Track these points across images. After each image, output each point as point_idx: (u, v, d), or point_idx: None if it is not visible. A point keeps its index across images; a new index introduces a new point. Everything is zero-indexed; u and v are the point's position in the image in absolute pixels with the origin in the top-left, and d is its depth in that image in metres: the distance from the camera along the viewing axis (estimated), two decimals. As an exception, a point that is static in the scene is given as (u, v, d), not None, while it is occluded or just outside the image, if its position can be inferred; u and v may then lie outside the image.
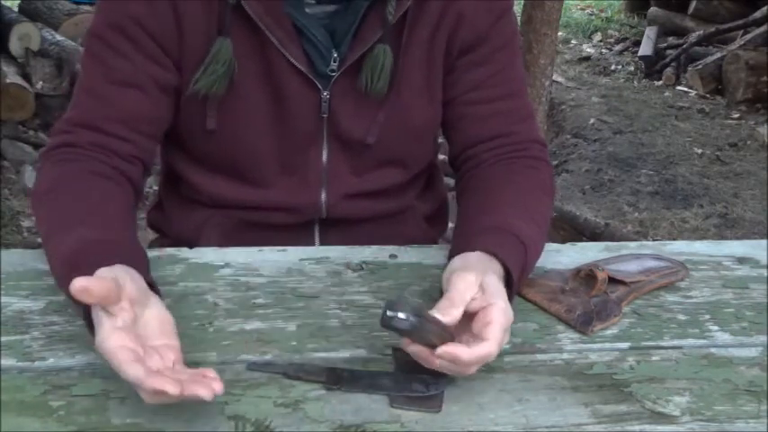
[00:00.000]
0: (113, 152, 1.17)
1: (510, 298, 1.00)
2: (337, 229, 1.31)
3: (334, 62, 1.19)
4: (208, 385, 0.82)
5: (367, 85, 1.18)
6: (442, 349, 0.89)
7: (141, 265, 0.97)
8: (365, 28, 1.18)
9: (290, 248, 1.23)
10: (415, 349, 0.91)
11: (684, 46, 5.78)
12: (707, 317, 1.12)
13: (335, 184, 1.27)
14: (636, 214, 3.75)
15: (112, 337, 0.84)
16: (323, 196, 1.28)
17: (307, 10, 1.18)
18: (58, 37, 4.13)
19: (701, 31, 5.83)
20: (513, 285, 1.03)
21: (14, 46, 4.02)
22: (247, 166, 1.25)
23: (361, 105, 1.22)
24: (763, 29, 5.45)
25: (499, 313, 0.93)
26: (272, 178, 1.26)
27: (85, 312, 0.91)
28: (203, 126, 1.20)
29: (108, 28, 1.17)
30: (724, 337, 1.08)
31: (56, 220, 1.08)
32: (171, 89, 1.20)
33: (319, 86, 1.20)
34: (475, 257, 1.02)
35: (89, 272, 0.90)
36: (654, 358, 1.03)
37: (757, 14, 5.68)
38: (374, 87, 1.18)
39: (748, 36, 5.50)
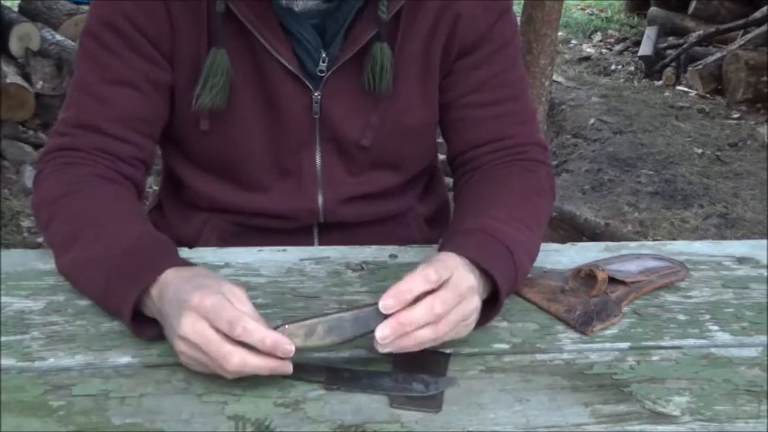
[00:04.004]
0: (115, 155, 1.18)
1: (498, 306, 1.03)
2: (336, 232, 1.31)
3: (323, 62, 1.19)
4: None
5: (371, 86, 1.18)
6: (378, 333, 0.90)
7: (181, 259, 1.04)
8: (357, 28, 1.17)
9: (290, 248, 1.23)
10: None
11: (684, 46, 5.78)
12: (707, 317, 1.12)
13: (331, 188, 1.27)
14: (636, 214, 3.75)
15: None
16: (320, 201, 1.27)
17: (296, 9, 1.16)
18: (58, 37, 4.13)
19: (701, 31, 5.83)
20: (500, 291, 1.02)
21: (14, 46, 4.02)
22: (242, 167, 1.25)
23: (356, 106, 1.21)
24: (763, 29, 5.45)
25: (433, 262, 0.94)
26: (268, 182, 1.26)
27: (133, 310, 0.96)
28: (197, 126, 1.20)
29: (101, 26, 1.17)
30: (724, 337, 1.08)
31: (83, 220, 1.08)
32: (165, 87, 1.20)
33: (310, 87, 1.19)
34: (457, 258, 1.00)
35: (157, 265, 0.97)
36: (654, 358, 1.03)
37: (757, 14, 5.68)
38: (378, 87, 1.18)
39: (748, 36, 5.51)
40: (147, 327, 0.98)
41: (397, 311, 0.90)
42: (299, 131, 1.23)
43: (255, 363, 0.88)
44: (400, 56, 1.20)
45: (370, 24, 1.16)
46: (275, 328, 0.90)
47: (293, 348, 0.89)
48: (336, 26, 1.17)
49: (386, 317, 0.90)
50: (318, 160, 1.25)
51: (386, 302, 0.90)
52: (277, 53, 1.16)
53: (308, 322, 0.92)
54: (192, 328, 0.88)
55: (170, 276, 0.96)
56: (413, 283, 0.91)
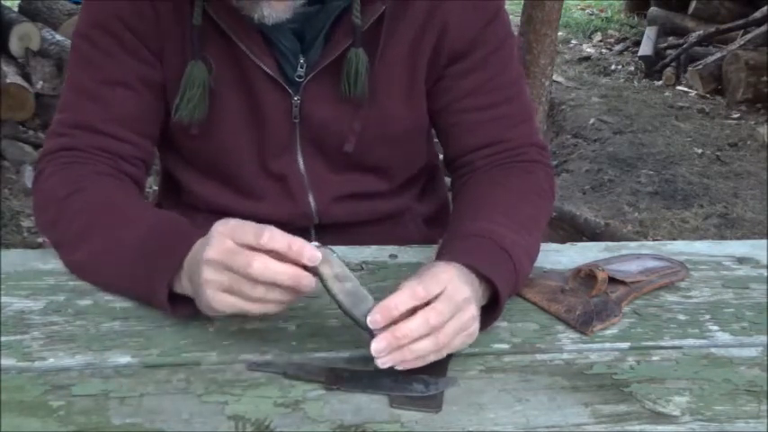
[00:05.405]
0: (115, 154, 1.18)
1: (498, 311, 1.02)
2: (333, 233, 1.30)
3: (301, 68, 1.18)
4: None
5: (346, 91, 1.17)
6: (373, 347, 0.90)
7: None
8: (337, 33, 1.16)
9: (290, 248, 1.23)
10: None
11: (684, 46, 5.78)
12: (707, 317, 1.12)
13: (320, 189, 1.27)
14: (636, 214, 3.75)
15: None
16: (311, 203, 1.27)
17: (268, 24, 1.12)
18: (58, 37, 4.13)
19: (701, 31, 5.84)
20: (500, 295, 1.02)
21: (14, 46, 4.02)
22: (234, 173, 1.25)
23: (337, 112, 1.20)
24: (763, 29, 5.45)
25: (425, 277, 0.94)
26: (260, 187, 1.26)
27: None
28: (189, 130, 1.20)
29: (93, 28, 1.17)
30: (724, 337, 1.08)
31: (94, 216, 1.09)
32: (158, 86, 1.20)
33: (290, 92, 1.19)
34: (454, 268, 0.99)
35: (184, 241, 0.99)
36: (654, 358, 1.03)
37: (757, 14, 5.69)
38: (353, 93, 1.17)
39: (748, 36, 5.51)
40: (181, 306, 0.99)
41: (394, 325, 0.90)
42: (279, 135, 1.22)
43: (278, 267, 0.89)
44: (382, 62, 1.18)
45: (349, 31, 1.15)
46: (319, 247, 0.92)
47: (320, 256, 0.90)
48: (315, 31, 1.17)
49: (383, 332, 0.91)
50: (302, 164, 1.25)
51: (373, 317, 0.90)
52: (258, 59, 1.16)
53: (347, 271, 0.93)
54: (216, 249, 0.91)
55: (197, 244, 0.98)
56: (399, 299, 0.91)
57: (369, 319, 0.90)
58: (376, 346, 0.90)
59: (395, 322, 0.91)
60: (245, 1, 1.09)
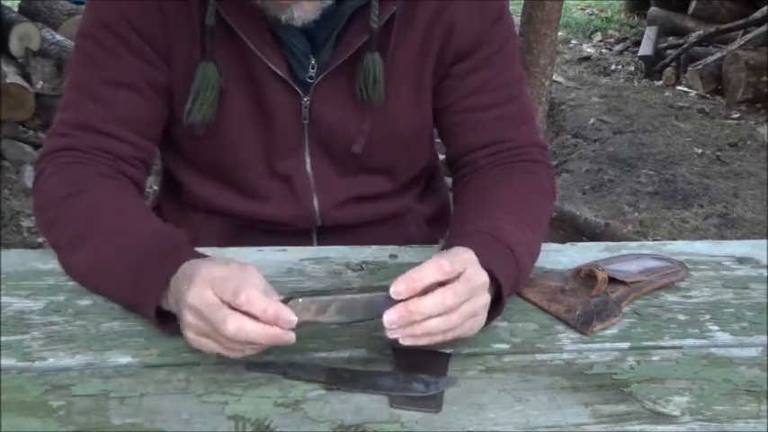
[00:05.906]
0: (116, 155, 1.18)
1: (500, 307, 1.02)
2: (335, 234, 1.30)
3: (312, 68, 1.18)
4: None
5: (362, 96, 1.17)
6: (386, 318, 0.90)
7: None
8: (349, 34, 1.16)
9: (291, 248, 1.23)
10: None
11: (684, 46, 5.78)
12: (707, 317, 1.12)
13: (325, 192, 1.27)
14: (636, 214, 3.75)
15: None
16: (315, 205, 1.27)
17: (296, 25, 1.13)
18: (58, 37, 4.13)
19: (701, 31, 5.84)
20: (503, 291, 1.02)
21: (14, 46, 4.02)
22: (238, 173, 1.25)
23: (346, 113, 1.20)
24: (763, 29, 5.45)
25: (448, 254, 0.94)
26: (264, 187, 1.25)
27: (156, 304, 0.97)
28: (192, 130, 1.20)
29: (97, 27, 1.17)
30: (724, 337, 1.08)
31: (92, 219, 1.09)
32: (162, 88, 1.19)
33: (299, 92, 1.19)
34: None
35: (176, 258, 0.97)
36: (654, 358, 1.03)
37: (757, 14, 5.69)
38: (370, 97, 1.17)
39: (748, 36, 5.51)
40: (172, 321, 0.98)
41: (408, 298, 0.90)
42: (288, 136, 1.22)
43: (253, 328, 0.88)
44: (392, 63, 1.18)
45: (361, 31, 1.15)
46: (288, 299, 0.91)
47: (295, 320, 0.89)
48: (326, 32, 1.16)
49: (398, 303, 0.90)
50: (309, 165, 1.25)
51: (396, 288, 0.90)
52: (267, 59, 1.15)
53: (321, 299, 0.93)
54: (197, 296, 0.90)
55: (184, 266, 0.97)
56: (425, 272, 0.91)
57: (392, 290, 0.90)
58: (388, 317, 0.90)
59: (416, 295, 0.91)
60: (270, 1, 1.09)
